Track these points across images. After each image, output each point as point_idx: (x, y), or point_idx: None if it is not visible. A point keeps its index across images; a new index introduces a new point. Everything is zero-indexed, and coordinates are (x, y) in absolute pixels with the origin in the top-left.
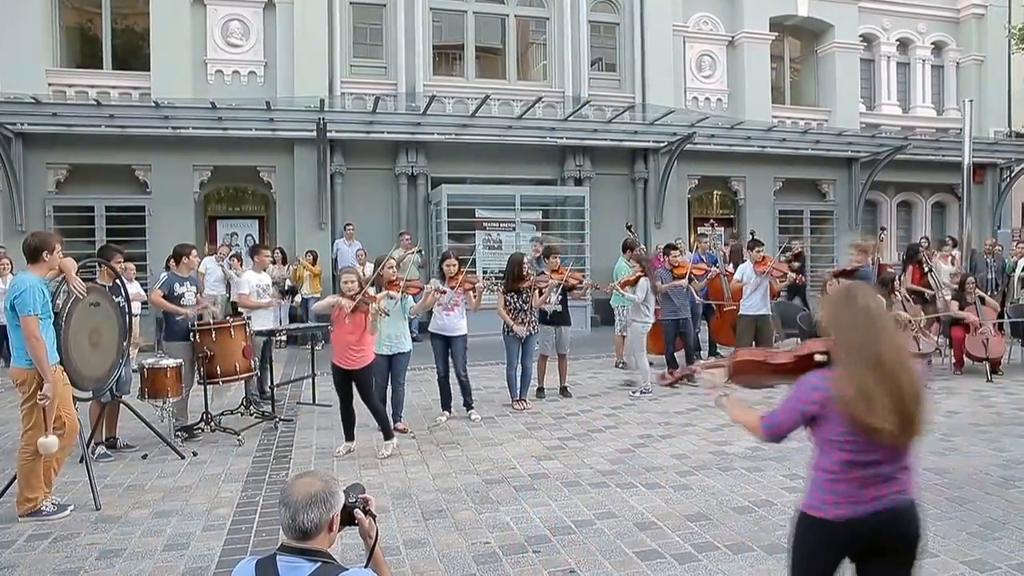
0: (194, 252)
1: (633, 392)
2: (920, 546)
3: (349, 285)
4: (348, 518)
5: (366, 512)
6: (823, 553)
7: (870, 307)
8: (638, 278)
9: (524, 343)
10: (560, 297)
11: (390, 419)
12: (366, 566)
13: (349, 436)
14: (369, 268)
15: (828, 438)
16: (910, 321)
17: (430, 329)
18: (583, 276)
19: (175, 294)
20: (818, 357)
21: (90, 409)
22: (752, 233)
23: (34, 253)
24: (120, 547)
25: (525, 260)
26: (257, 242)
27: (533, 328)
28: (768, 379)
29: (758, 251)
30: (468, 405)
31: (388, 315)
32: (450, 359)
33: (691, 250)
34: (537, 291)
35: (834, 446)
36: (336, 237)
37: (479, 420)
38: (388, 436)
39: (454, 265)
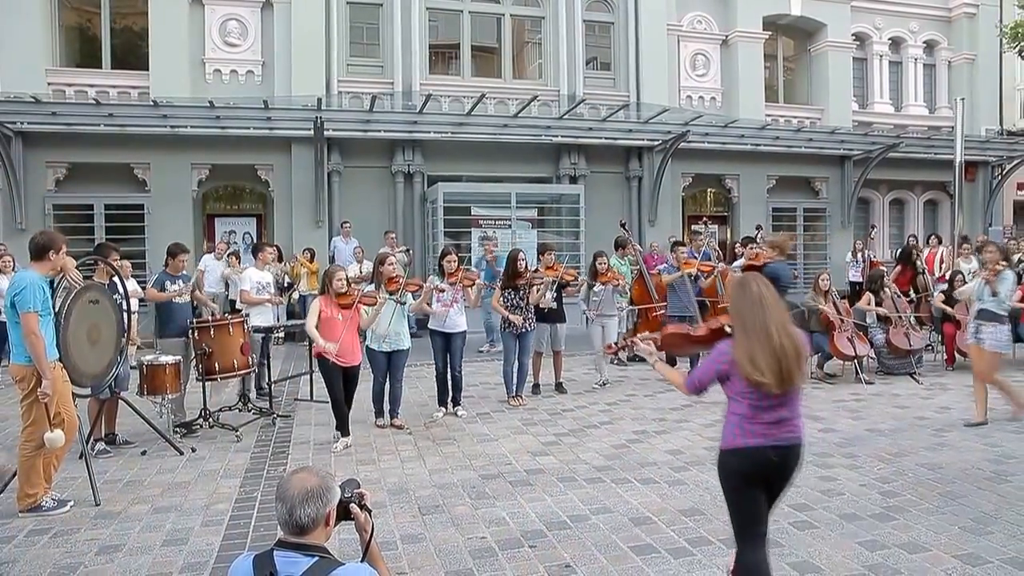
0: (181, 255)
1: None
2: (794, 477)
3: (339, 283)
4: (344, 513)
5: (361, 507)
6: (749, 479)
7: (761, 293)
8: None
9: (521, 340)
10: (555, 294)
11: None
12: (362, 560)
13: (346, 431)
14: (367, 265)
15: (735, 391)
16: (900, 317)
17: (430, 326)
18: (577, 273)
19: (166, 291)
20: (727, 329)
21: (89, 406)
22: (759, 228)
23: (41, 251)
24: (119, 542)
25: (520, 256)
26: (258, 240)
27: (530, 324)
28: (691, 348)
29: (752, 248)
30: (456, 401)
31: (403, 303)
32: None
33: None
34: (534, 287)
35: (741, 396)
36: (333, 235)
37: (465, 416)
38: (345, 433)
39: (454, 262)
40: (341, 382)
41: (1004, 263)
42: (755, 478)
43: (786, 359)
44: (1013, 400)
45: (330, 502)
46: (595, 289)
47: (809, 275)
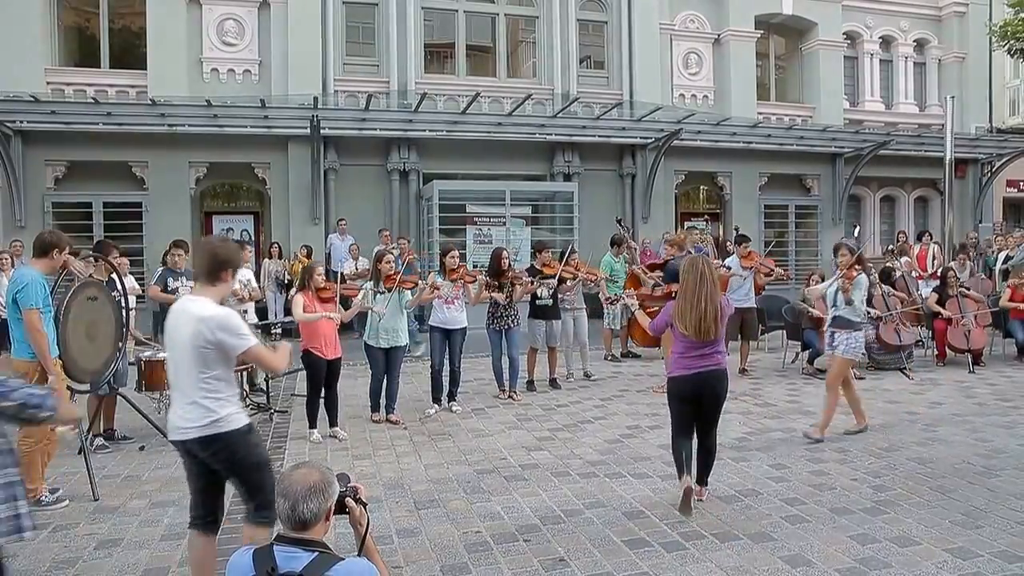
0: (180, 251)
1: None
2: (724, 402)
3: (319, 278)
4: (339, 507)
5: (356, 500)
6: (681, 397)
7: (702, 271)
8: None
9: (507, 335)
10: (552, 291)
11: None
12: (358, 554)
13: (314, 424)
14: (362, 262)
15: (676, 336)
16: (891, 314)
17: (430, 322)
18: (576, 271)
19: (168, 288)
20: (675, 294)
21: (88, 401)
22: (737, 229)
23: (46, 249)
24: (118, 537)
25: (504, 255)
26: (237, 239)
27: (515, 321)
28: (655, 304)
29: (745, 247)
30: (452, 396)
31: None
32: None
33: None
34: (517, 286)
35: (678, 340)
36: (329, 232)
37: (460, 412)
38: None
39: (456, 259)
40: (324, 375)
41: (859, 267)
42: (685, 397)
43: (706, 320)
44: (856, 411)
45: (331, 497)
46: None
47: (801, 272)
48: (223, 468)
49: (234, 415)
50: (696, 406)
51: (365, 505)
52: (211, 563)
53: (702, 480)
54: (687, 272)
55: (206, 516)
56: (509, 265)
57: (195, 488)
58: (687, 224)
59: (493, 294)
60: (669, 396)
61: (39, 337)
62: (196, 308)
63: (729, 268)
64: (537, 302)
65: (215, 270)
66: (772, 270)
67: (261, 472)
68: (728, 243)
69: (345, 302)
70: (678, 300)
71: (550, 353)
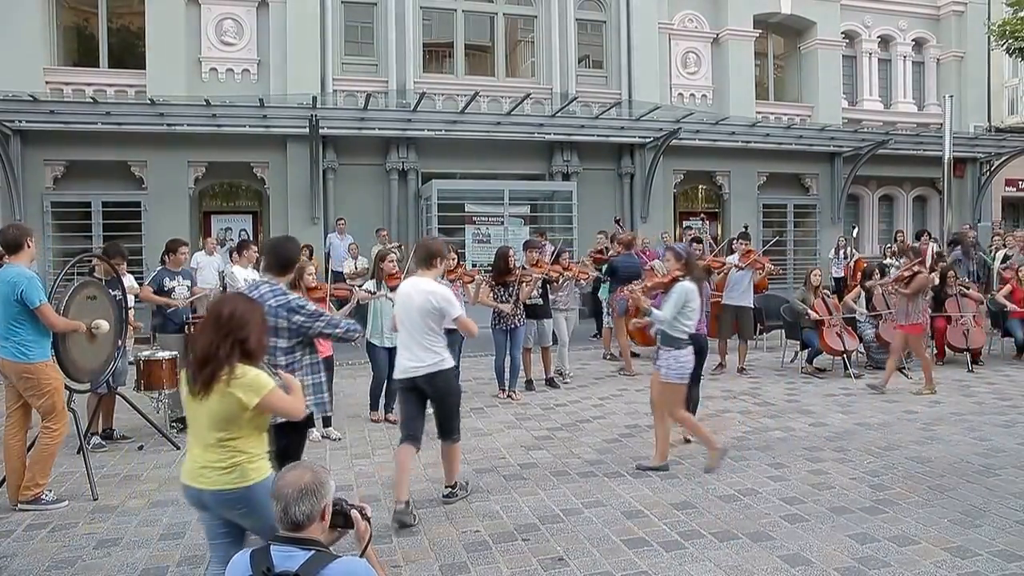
0: (182, 248)
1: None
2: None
3: (310, 278)
4: (345, 521)
5: (363, 516)
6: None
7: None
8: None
9: (512, 335)
10: (541, 290)
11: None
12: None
13: (328, 422)
14: (361, 261)
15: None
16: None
17: None
18: (563, 270)
19: (165, 288)
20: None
21: (87, 401)
22: (745, 227)
23: (16, 245)
24: (117, 536)
25: (510, 253)
26: (244, 239)
27: (520, 320)
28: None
29: (743, 244)
30: None
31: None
32: None
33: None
34: (524, 284)
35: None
36: (328, 231)
37: None
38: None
39: (454, 259)
40: None
41: (680, 271)
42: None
43: None
44: (707, 444)
45: (324, 498)
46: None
47: (800, 270)
48: (435, 395)
49: (448, 359)
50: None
51: (369, 520)
52: (409, 462)
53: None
54: (671, 259)
55: (415, 434)
56: (514, 264)
57: (408, 415)
58: (685, 223)
59: (501, 305)
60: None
61: (61, 323)
62: (425, 284)
63: (730, 263)
64: (528, 301)
65: (429, 259)
66: (764, 266)
67: (458, 401)
68: (734, 241)
69: (337, 303)
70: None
71: (543, 353)
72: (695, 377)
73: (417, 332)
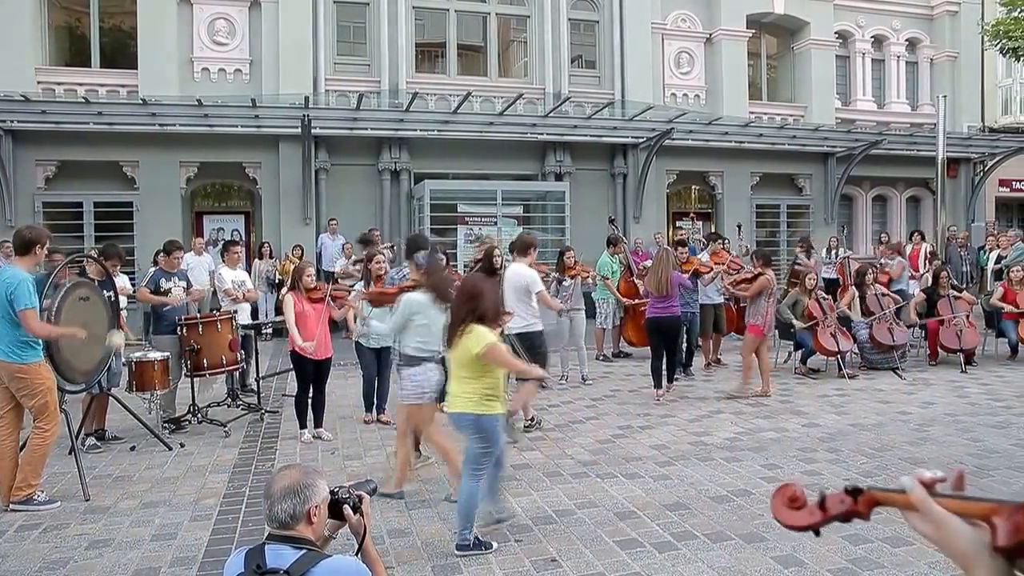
0: (176, 253)
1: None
2: (680, 340)
3: (309, 279)
4: (337, 513)
5: (355, 509)
6: (650, 330)
7: (664, 256)
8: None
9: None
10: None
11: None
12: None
13: (304, 424)
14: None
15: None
16: (884, 313)
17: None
18: (549, 269)
19: (161, 289)
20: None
21: (82, 400)
22: (739, 226)
23: (27, 246)
24: (109, 537)
25: (495, 253)
26: (228, 239)
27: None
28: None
29: (720, 243)
30: (442, 397)
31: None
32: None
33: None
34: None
35: (648, 296)
36: (320, 232)
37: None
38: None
39: (443, 260)
40: (310, 373)
41: (414, 282)
42: (652, 330)
43: (661, 282)
44: (451, 470)
45: (310, 498)
46: (564, 284)
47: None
48: (528, 349)
49: (538, 323)
50: (660, 336)
51: (363, 514)
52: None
53: (670, 379)
54: (657, 258)
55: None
56: (501, 263)
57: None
58: (677, 223)
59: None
60: (647, 330)
61: (43, 330)
62: (520, 268)
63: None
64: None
65: (524, 248)
66: (740, 268)
67: (545, 354)
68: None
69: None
70: (650, 271)
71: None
72: (680, 346)
73: (517, 302)
